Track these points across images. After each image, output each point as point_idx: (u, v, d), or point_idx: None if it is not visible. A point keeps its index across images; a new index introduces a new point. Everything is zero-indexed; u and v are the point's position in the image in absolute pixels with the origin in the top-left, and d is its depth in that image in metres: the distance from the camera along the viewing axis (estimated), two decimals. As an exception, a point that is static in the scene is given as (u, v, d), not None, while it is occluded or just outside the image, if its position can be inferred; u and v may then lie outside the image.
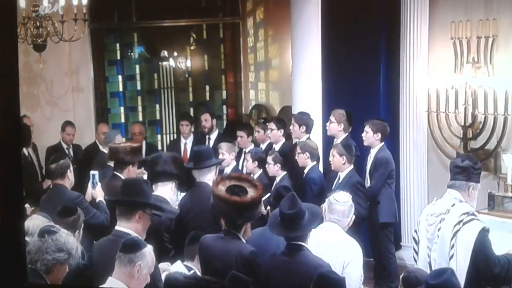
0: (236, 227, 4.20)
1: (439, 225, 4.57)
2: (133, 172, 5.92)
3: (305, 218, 4.06)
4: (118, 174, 5.89)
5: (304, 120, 7.12)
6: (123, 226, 4.20)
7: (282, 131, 7.47)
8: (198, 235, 4.72)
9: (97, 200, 5.61)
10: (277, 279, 4.07)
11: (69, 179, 5.55)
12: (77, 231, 4.47)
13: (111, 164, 6.36)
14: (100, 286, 3.75)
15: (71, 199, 5.31)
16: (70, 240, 3.80)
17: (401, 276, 4.18)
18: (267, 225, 4.77)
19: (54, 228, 3.89)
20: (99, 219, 5.37)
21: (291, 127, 7.24)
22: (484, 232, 4.41)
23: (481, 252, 4.38)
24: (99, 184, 5.69)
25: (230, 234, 4.21)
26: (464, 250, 4.41)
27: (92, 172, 5.74)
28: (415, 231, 4.85)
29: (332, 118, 7.11)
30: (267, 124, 7.79)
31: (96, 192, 5.66)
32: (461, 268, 4.40)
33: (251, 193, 4.20)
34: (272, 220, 4.24)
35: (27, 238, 4.00)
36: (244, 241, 4.23)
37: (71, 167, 5.61)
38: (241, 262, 4.08)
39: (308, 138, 7.07)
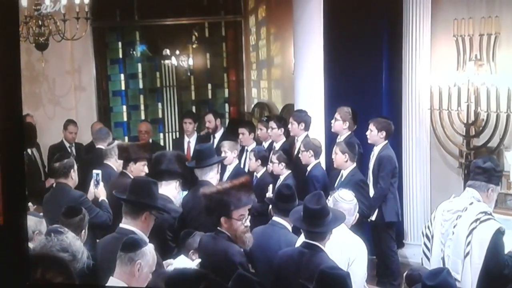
0: (220, 224, 4.18)
1: (455, 221, 4.59)
2: (137, 169, 5.91)
3: (328, 217, 4.08)
4: (126, 172, 5.90)
5: (303, 118, 7.12)
6: (128, 224, 4.22)
7: (283, 129, 7.47)
8: (190, 232, 4.78)
9: (100, 199, 5.62)
10: (288, 275, 4.09)
11: (73, 179, 5.56)
12: (83, 230, 4.49)
13: (108, 162, 6.40)
14: (102, 285, 3.75)
15: (74, 198, 5.32)
16: (77, 244, 3.78)
17: (404, 274, 4.19)
18: (268, 224, 4.79)
19: (61, 229, 3.88)
20: (102, 218, 5.39)
21: (289, 126, 7.24)
22: (499, 233, 4.44)
23: (494, 252, 4.41)
24: (101, 183, 5.69)
25: (221, 234, 4.20)
26: (479, 248, 4.43)
27: (95, 171, 5.74)
28: (427, 227, 4.86)
29: (337, 115, 7.09)
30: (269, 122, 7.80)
31: (99, 191, 5.66)
32: (475, 266, 4.44)
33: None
34: (295, 216, 4.26)
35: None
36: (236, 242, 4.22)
37: (75, 167, 5.61)
38: (226, 263, 4.08)
39: (307, 135, 7.07)
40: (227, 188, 4.18)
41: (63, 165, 5.52)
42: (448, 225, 4.65)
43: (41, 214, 4.79)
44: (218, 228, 4.20)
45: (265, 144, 7.73)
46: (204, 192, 4.27)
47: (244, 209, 4.16)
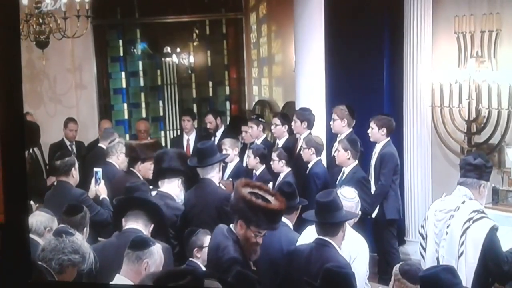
0: (235, 224, 4.07)
1: (448, 221, 4.58)
2: (145, 168, 5.91)
3: (340, 211, 4.12)
4: (133, 170, 5.92)
5: (306, 116, 7.13)
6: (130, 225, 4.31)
7: (287, 126, 7.48)
8: (193, 230, 4.75)
9: (100, 197, 5.62)
10: (298, 270, 4.10)
11: (74, 177, 5.56)
12: (85, 228, 4.50)
13: (110, 160, 6.40)
14: (106, 283, 3.76)
15: (75, 197, 5.33)
16: (85, 245, 3.80)
17: (398, 268, 4.04)
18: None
19: (71, 230, 3.89)
20: (103, 216, 5.40)
21: (292, 123, 7.25)
22: (493, 230, 4.43)
23: (491, 250, 4.41)
24: (102, 181, 5.69)
25: (231, 234, 4.09)
26: (474, 247, 4.43)
27: (95, 169, 5.75)
28: (422, 226, 4.85)
29: (334, 115, 7.10)
30: (260, 119, 7.86)
31: (100, 189, 5.67)
32: (470, 266, 4.43)
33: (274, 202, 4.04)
34: (308, 213, 4.31)
35: (31, 235, 4.01)
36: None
37: (76, 165, 5.61)
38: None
39: (310, 133, 7.07)
40: (261, 205, 3.95)
41: (64, 163, 5.53)
42: (442, 225, 4.64)
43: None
44: (231, 227, 4.10)
45: (257, 142, 7.75)
46: (241, 192, 4.01)
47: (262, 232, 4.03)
